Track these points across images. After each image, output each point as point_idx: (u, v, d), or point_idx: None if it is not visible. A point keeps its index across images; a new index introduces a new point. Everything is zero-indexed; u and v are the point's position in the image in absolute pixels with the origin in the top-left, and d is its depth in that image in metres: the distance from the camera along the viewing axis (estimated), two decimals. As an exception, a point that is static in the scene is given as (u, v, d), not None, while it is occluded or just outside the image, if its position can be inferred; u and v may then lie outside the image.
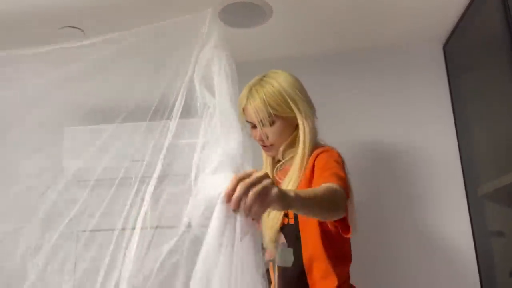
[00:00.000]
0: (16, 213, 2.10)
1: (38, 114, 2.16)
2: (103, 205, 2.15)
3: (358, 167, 1.68)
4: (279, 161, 1.36)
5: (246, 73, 2.01)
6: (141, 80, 1.89)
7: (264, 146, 1.35)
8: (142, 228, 1.17)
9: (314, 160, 1.24)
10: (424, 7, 1.59)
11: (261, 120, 1.29)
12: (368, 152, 1.81)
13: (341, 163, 1.22)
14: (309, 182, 1.22)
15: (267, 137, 1.32)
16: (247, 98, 1.31)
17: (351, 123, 1.83)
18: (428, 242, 1.70)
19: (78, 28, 1.68)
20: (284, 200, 0.85)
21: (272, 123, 1.29)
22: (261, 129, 1.31)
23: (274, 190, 0.81)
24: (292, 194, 0.88)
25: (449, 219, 1.70)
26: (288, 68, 1.80)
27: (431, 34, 1.79)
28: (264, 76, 1.34)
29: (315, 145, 1.31)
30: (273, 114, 1.28)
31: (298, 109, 1.28)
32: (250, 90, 1.31)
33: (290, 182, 1.25)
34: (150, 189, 1.18)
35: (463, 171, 1.73)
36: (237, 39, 1.74)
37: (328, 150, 1.26)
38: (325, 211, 1.03)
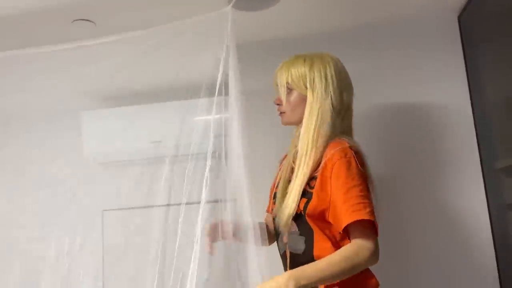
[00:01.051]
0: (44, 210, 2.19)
1: (55, 101, 2.22)
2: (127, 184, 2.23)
3: (372, 139, 1.70)
4: None
5: (259, 51, 2.01)
6: (160, 67, 1.92)
7: (280, 113, 1.42)
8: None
9: (332, 167, 1.24)
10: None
11: (278, 84, 1.39)
12: (382, 122, 1.82)
13: (361, 176, 1.23)
14: (325, 191, 1.24)
15: (282, 103, 1.39)
16: (281, 66, 1.40)
17: (365, 94, 1.80)
18: (443, 214, 1.73)
19: (89, 21, 1.69)
20: None
21: (289, 92, 1.37)
22: (278, 92, 1.40)
23: None
24: None
25: (465, 192, 1.73)
26: (303, 46, 1.80)
27: (446, 4, 1.75)
28: (309, 53, 1.40)
29: (330, 138, 1.30)
30: (290, 83, 1.36)
31: (312, 89, 1.33)
32: (287, 61, 1.40)
33: (297, 176, 1.30)
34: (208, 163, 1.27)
35: (478, 145, 1.74)
36: (251, 20, 1.74)
37: (346, 154, 1.25)
38: (346, 275, 1.17)
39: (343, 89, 1.35)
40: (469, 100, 1.77)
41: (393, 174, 1.76)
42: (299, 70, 1.34)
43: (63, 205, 2.23)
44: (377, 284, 1.28)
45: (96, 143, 2.22)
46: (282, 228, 1.30)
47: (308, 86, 1.32)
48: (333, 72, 1.33)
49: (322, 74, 1.32)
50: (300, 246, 1.28)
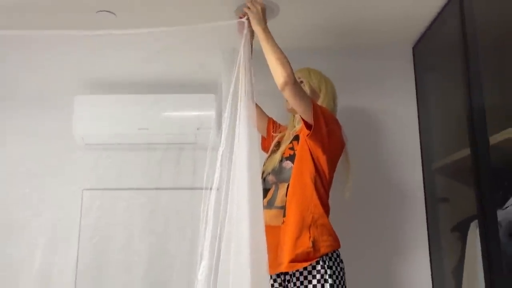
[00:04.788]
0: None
1: (51, 82, 2.31)
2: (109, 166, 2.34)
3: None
4: None
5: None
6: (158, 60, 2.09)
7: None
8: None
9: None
10: (400, 13, 1.93)
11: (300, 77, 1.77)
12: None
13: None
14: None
15: None
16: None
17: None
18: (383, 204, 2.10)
19: (111, 12, 1.84)
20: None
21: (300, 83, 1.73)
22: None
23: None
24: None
25: (405, 191, 2.11)
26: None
27: (403, 37, 2.14)
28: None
29: None
30: (306, 79, 1.78)
31: (321, 92, 1.79)
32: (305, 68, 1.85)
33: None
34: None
35: (421, 149, 2.14)
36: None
37: None
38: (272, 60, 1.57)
39: (331, 97, 1.80)
40: (416, 115, 2.18)
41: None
42: (318, 74, 1.83)
43: (44, 182, 2.31)
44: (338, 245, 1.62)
45: (86, 125, 2.27)
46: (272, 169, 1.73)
47: (321, 87, 1.79)
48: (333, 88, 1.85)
49: (331, 89, 1.83)
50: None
